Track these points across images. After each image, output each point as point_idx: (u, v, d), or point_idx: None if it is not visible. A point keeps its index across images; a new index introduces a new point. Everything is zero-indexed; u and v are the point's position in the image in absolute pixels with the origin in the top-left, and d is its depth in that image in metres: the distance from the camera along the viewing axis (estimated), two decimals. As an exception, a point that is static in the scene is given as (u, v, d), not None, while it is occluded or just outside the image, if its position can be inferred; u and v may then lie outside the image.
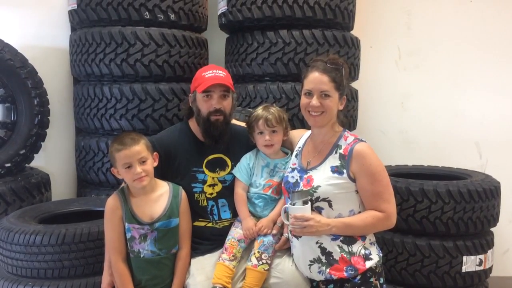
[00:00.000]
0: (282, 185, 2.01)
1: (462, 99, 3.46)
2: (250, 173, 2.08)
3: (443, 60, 3.46)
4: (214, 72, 2.08)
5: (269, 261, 1.96)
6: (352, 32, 3.10)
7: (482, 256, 2.61)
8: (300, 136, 2.12)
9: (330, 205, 1.84)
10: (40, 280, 2.11)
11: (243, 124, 2.23)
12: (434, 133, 3.48)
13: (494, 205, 2.65)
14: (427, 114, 3.49)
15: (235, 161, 2.13)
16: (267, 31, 2.82)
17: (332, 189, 1.83)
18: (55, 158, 3.26)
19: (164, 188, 2.01)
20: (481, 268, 2.61)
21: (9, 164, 2.75)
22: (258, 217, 2.06)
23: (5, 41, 2.79)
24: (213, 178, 2.12)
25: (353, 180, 1.85)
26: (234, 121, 2.30)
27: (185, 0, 2.86)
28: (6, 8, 3.12)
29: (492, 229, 2.77)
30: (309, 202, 1.80)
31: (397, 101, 3.53)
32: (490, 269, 2.72)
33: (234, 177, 2.11)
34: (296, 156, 2.04)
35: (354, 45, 2.96)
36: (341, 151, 1.87)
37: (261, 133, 2.04)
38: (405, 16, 3.49)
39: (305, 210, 1.78)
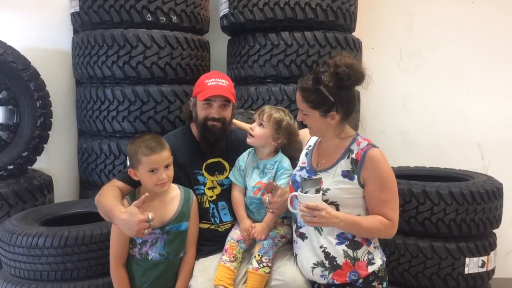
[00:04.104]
0: (290, 183, 1.98)
1: (464, 100, 3.46)
2: (243, 174, 2.09)
3: (445, 61, 3.46)
4: (217, 81, 2.07)
5: (270, 264, 1.95)
6: (354, 33, 3.11)
7: (484, 258, 2.60)
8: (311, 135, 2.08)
9: (337, 209, 1.80)
10: (43, 282, 2.12)
11: (247, 126, 2.23)
12: (436, 134, 3.48)
13: (497, 206, 2.65)
14: (429, 115, 3.49)
15: (233, 165, 2.14)
16: (269, 33, 2.82)
17: (341, 193, 1.80)
18: (57, 160, 3.27)
19: (175, 192, 2.01)
20: (484, 269, 2.61)
21: (11, 166, 2.76)
22: (255, 221, 2.06)
23: (8, 43, 2.79)
24: (212, 181, 2.13)
25: (363, 186, 1.81)
26: (238, 124, 2.29)
27: (187, 2, 2.87)
28: (9, 11, 3.13)
29: (494, 231, 2.76)
30: (321, 191, 1.76)
31: (399, 102, 3.53)
32: (493, 270, 2.72)
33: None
34: (306, 155, 2.00)
35: (355, 46, 2.96)
36: (353, 155, 1.83)
37: (253, 121, 2.09)
38: (407, 18, 3.49)
39: (316, 199, 1.72)
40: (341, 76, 1.74)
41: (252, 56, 2.86)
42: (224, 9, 2.97)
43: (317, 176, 1.83)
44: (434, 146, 3.48)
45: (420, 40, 3.48)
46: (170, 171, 1.91)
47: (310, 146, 2.02)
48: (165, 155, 1.89)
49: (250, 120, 2.42)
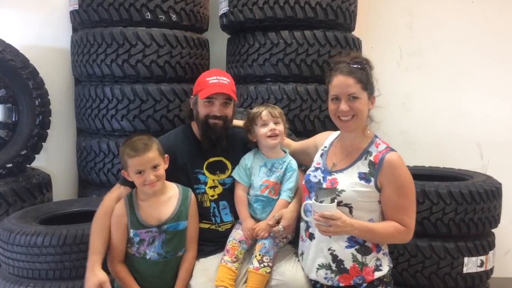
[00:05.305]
0: (303, 183, 1.95)
1: (464, 100, 3.46)
2: (248, 173, 2.07)
3: (445, 60, 3.45)
4: (218, 79, 2.06)
5: (270, 264, 1.95)
6: (354, 32, 3.10)
7: (483, 257, 2.61)
8: (326, 137, 2.05)
9: (351, 211, 1.77)
10: (41, 281, 2.11)
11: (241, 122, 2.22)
12: (436, 133, 3.47)
13: (496, 206, 2.65)
14: (429, 114, 3.49)
15: (235, 164, 2.12)
16: (269, 31, 2.82)
17: (356, 196, 1.76)
18: (56, 159, 3.26)
19: (173, 191, 2.00)
20: (482, 269, 2.61)
21: (10, 165, 2.75)
22: (258, 220, 2.05)
23: (7, 41, 2.78)
24: (213, 180, 2.11)
25: (379, 190, 1.78)
26: (235, 122, 2.28)
27: (187, 1, 2.86)
28: (8, 9, 3.12)
29: (493, 230, 2.77)
30: (336, 200, 1.71)
31: (399, 101, 3.52)
32: (491, 270, 2.72)
33: (235, 179, 2.10)
34: (321, 155, 1.96)
35: (355, 45, 2.96)
36: (371, 158, 1.79)
37: (265, 124, 2.03)
38: (407, 17, 3.48)
39: (332, 208, 1.68)
40: (370, 63, 1.83)
41: (252, 55, 2.86)
42: (223, 7, 2.96)
43: (333, 186, 1.79)
44: (434, 146, 3.48)
45: (420, 40, 3.47)
46: (159, 171, 1.89)
47: (325, 147, 1.99)
48: (150, 156, 1.86)
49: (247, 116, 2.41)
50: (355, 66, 1.79)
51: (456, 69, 3.45)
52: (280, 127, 2.04)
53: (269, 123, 2.03)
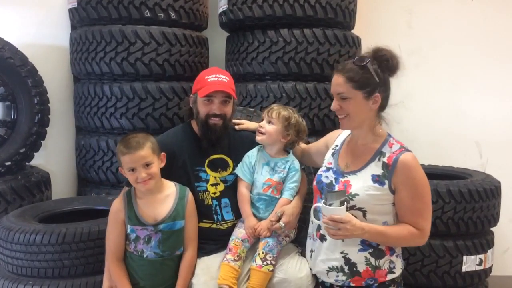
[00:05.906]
0: (314, 183, 1.91)
1: (463, 99, 3.46)
2: (252, 171, 2.07)
3: (444, 59, 3.46)
4: (217, 77, 2.06)
5: (273, 262, 1.95)
6: (353, 31, 3.10)
7: (482, 256, 2.61)
8: (338, 135, 1.97)
9: (364, 215, 1.72)
10: (40, 279, 2.11)
11: (254, 126, 2.22)
12: (435, 132, 3.48)
13: (495, 204, 2.65)
14: (428, 113, 3.49)
15: (237, 161, 2.12)
16: (268, 30, 2.81)
17: (370, 199, 1.70)
18: (55, 157, 3.26)
19: (170, 189, 1.99)
20: (481, 267, 2.62)
21: (9, 163, 2.75)
22: (260, 219, 2.04)
23: (5, 39, 2.78)
24: (215, 177, 2.11)
25: (393, 192, 1.72)
26: (247, 124, 2.27)
27: (186, -1, 2.87)
28: (7, 7, 3.11)
29: (492, 229, 2.77)
30: (345, 203, 1.67)
31: (398, 100, 3.51)
32: (490, 268, 2.73)
33: (237, 176, 2.10)
34: (332, 155, 1.90)
35: (355, 44, 2.96)
36: (384, 159, 1.72)
37: (262, 120, 2.07)
38: (406, 15, 3.48)
39: (342, 212, 1.64)
40: (385, 57, 1.72)
41: (251, 53, 2.85)
42: (223, 5, 2.96)
43: (342, 188, 1.75)
44: (433, 144, 3.48)
45: (419, 38, 3.47)
46: (152, 169, 1.88)
47: (336, 145, 1.93)
48: (141, 154, 1.85)
49: (249, 118, 2.41)
50: (352, 65, 1.72)
51: (455, 69, 3.45)
52: (270, 128, 2.03)
53: (264, 120, 2.06)
